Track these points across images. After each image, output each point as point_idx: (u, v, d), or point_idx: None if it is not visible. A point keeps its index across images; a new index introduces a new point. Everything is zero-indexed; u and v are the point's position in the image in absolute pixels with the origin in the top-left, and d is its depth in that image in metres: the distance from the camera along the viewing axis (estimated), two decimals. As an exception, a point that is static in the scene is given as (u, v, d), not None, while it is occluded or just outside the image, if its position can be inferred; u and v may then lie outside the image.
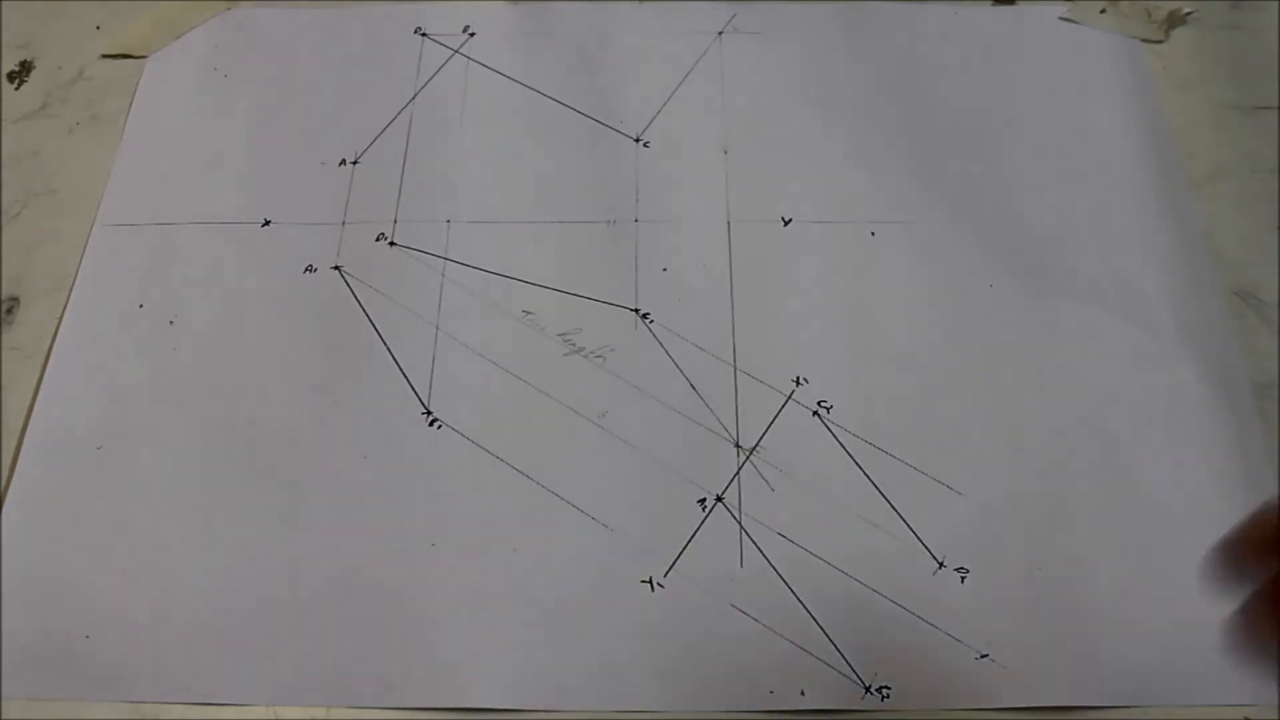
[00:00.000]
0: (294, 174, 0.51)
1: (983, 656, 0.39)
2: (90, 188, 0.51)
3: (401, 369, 0.45)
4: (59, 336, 0.47)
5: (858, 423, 0.44)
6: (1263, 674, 0.25)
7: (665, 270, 0.48)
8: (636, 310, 0.47)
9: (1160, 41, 0.54)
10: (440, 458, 0.43)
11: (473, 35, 0.55)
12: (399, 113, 0.52)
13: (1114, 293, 0.46)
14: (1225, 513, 0.41)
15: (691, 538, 0.41)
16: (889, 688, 0.38)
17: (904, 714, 0.38)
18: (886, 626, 0.39)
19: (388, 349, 0.46)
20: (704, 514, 0.42)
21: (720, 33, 0.54)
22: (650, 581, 0.41)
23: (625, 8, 0.55)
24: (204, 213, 0.50)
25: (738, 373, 0.45)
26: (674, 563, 0.41)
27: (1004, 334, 0.45)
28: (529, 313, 0.47)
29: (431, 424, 0.44)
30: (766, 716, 0.38)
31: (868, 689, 0.38)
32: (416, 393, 0.45)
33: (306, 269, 0.48)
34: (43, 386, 0.45)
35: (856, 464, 0.43)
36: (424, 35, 0.55)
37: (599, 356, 0.45)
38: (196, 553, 0.41)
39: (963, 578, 0.40)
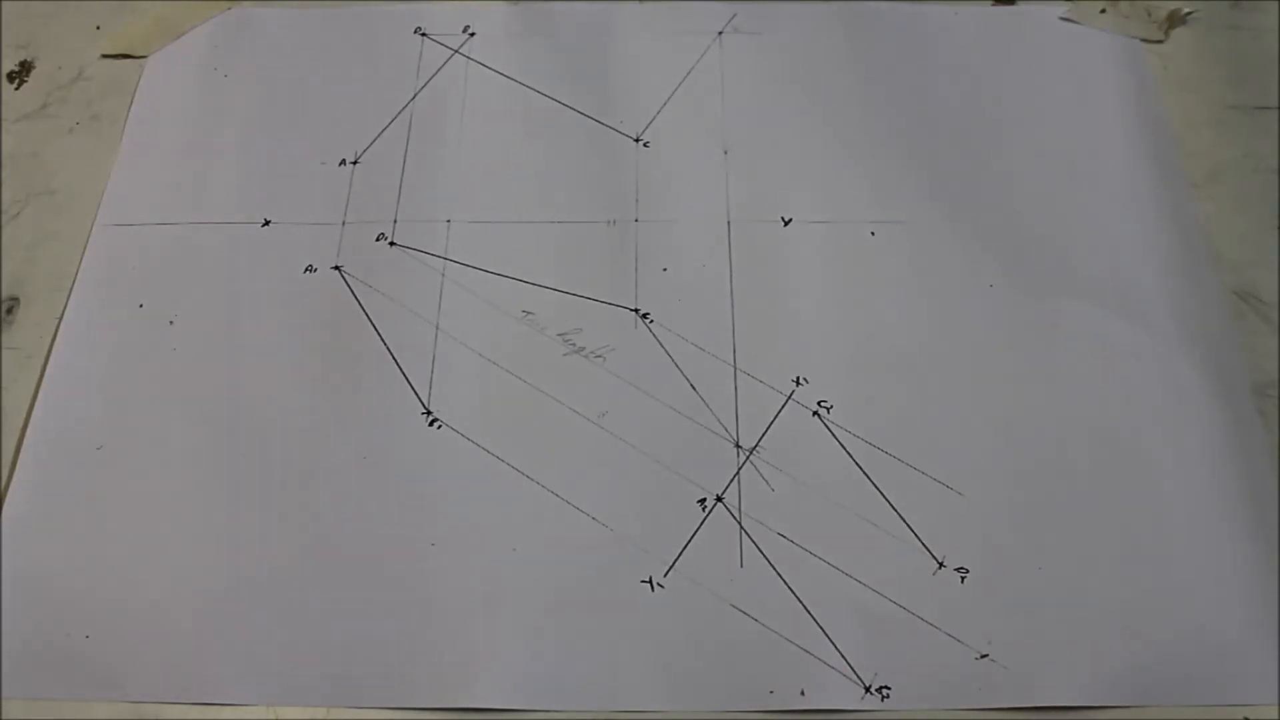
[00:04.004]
0: (294, 174, 0.51)
1: (983, 656, 0.39)
2: (90, 188, 0.51)
3: (401, 369, 0.45)
4: (59, 336, 0.47)
5: (858, 423, 0.44)
6: None
7: (665, 270, 0.48)
8: (636, 310, 0.47)
9: (1160, 41, 0.54)
10: (440, 458, 0.43)
11: (473, 35, 0.55)
12: (399, 113, 0.52)
13: (1114, 293, 0.46)
14: (1225, 513, 0.41)
15: (691, 538, 0.41)
16: (889, 688, 0.38)
17: (904, 714, 0.38)
18: (886, 626, 0.39)
19: (388, 349, 0.46)
20: (704, 514, 0.42)
21: (720, 33, 0.54)
22: (650, 581, 0.41)
23: (625, 8, 0.55)
24: (204, 213, 0.50)
25: (738, 373, 0.45)
26: (674, 563, 0.41)
27: (1004, 334, 0.45)
28: (529, 313, 0.47)
29: (431, 424, 0.44)
30: (766, 716, 0.38)
31: (868, 689, 0.38)
32: (416, 393, 0.45)
33: (306, 269, 0.48)
34: (43, 386, 0.45)
35: (856, 463, 0.43)
36: (424, 35, 0.55)
37: (599, 356, 0.45)
38: (196, 553, 0.41)
39: (963, 578, 0.40)
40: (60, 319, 0.47)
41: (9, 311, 0.48)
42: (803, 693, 0.38)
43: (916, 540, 0.41)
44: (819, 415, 0.44)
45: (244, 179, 0.51)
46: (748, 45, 0.54)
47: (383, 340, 0.46)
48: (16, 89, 0.55)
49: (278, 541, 0.42)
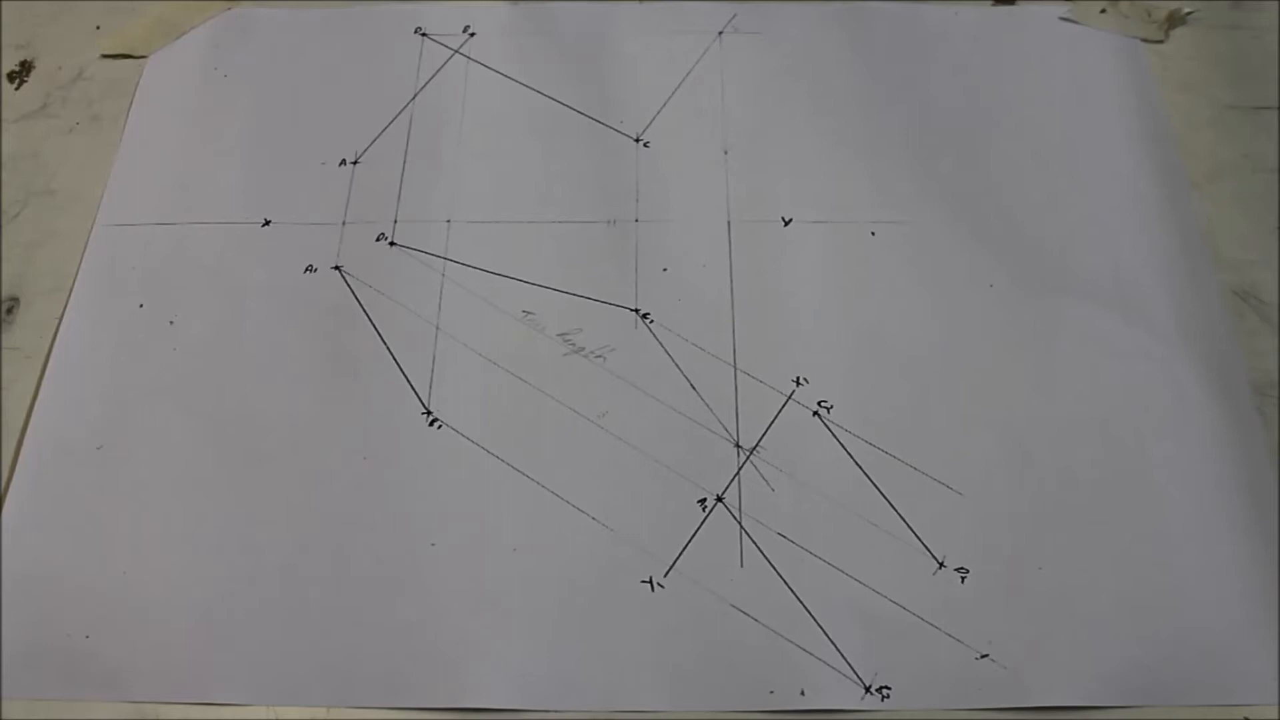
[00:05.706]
0: (294, 174, 0.51)
1: (983, 656, 0.39)
2: (90, 188, 0.51)
3: (401, 369, 0.45)
4: (59, 336, 0.47)
5: (858, 423, 0.44)
6: None
7: (665, 270, 0.48)
8: (636, 310, 0.47)
9: (1160, 41, 0.54)
10: (440, 458, 0.43)
11: (473, 35, 0.55)
12: (399, 113, 0.52)
13: (1114, 293, 0.46)
14: (1225, 513, 0.41)
15: (691, 538, 0.41)
16: (889, 688, 0.38)
17: (904, 714, 0.38)
18: (886, 626, 0.39)
19: (388, 349, 0.46)
20: (704, 514, 0.42)
21: (720, 33, 0.54)
22: (650, 581, 0.41)
23: (625, 8, 0.55)
24: (204, 213, 0.50)
25: (738, 373, 0.45)
26: (674, 563, 0.41)
27: (1004, 334, 0.45)
28: (529, 313, 0.47)
29: (431, 424, 0.44)
30: (766, 716, 0.38)
31: (868, 689, 0.38)
32: (416, 393, 0.45)
33: (306, 269, 0.48)
34: (43, 386, 0.45)
35: (856, 464, 0.43)
36: (424, 35, 0.55)
37: (599, 356, 0.45)
38: (196, 553, 0.41)
39: (963, 578, 0.40)
40: (60, 319, 0.47)
41: (9, 311, 0.48)
42: (803, 693, 0.38)
43: (916, 540, 0.41)
44: (819, 415, 0.44)
45: (244, 179, 0.51)
46: (748, 45, 0.54)
47: (383, 340, 0.46)
48: (16, 89, 0.55)
49: (278, 541, 0.42)
